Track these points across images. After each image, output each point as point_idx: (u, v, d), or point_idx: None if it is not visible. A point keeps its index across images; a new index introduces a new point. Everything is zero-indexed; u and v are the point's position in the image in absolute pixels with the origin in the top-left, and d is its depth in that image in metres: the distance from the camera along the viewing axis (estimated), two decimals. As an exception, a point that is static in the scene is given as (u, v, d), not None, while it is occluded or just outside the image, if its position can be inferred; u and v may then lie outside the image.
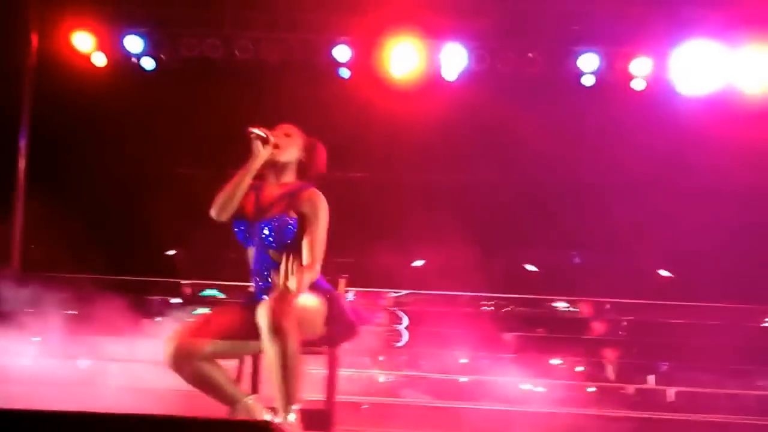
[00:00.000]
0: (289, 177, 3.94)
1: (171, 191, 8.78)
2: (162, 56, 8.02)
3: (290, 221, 3.75)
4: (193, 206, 8.54)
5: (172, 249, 9.60)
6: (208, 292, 8.36)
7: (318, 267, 3.71)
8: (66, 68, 7.99)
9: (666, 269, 8.95)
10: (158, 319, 7.58)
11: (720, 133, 7.33)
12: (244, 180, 3.80)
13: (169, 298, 8.03)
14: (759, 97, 7.25)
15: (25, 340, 6.77)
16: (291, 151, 3.91)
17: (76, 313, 7.44)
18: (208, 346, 3.63)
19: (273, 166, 3.88)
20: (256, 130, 3.81)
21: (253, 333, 3.58)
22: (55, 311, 7.02)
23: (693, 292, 7.60)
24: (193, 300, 8.23)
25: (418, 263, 9.12)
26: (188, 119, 8.66)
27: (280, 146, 3.86)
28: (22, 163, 8.18)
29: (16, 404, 2.60)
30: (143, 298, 7.83)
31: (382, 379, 6.83)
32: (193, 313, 8.03)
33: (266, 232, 3.77)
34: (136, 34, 7.97)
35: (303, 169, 3.96)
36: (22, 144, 8.19)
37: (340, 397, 4.36)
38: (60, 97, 7.99)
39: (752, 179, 7.45)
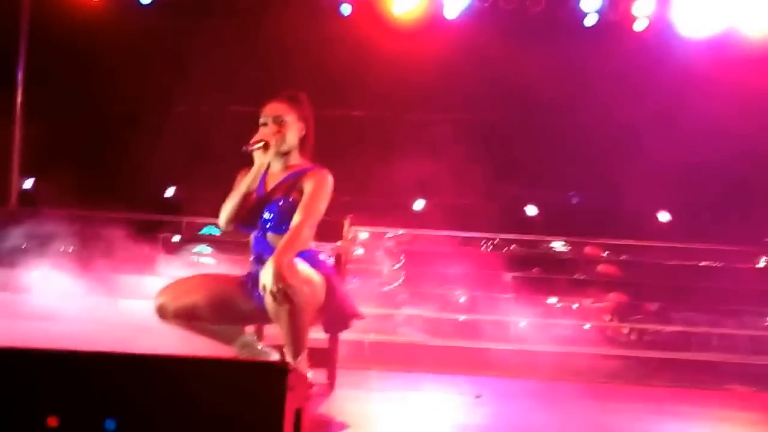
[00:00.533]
0: (295, 159, 3.87)
1: (169, 128, 8.72)
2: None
3: (291, 202, 3.69)
4: (191, 144, 8.55)
5: (170, 186, 9.58)
6: (208, 230, 8.37)
7: (306, 233, 3.61)
8: (63, 1, 7.87)
9: (665, 211, 8.99)
10: (159, 256, 7.61)
11: (721, 76, 7.29)
12: (250, 188, 3.77)
13: (169, 235, 8.05)
14: (760, 41, 7.19)
15: (25, 276, 6.81)
16: (289, 138, 3.81)
17: (75, 248, 7.47)
18: (199, 310, 3.66)
19: (275, 155, 3.80)
20: (254, 146, 3.74)
21: (244, 314, 3.70)
22: (54, 247, 7.06)
23: (691, 235, 7.67)
24: (193, 238, 8.26)
25: (419, 202, 9.12)
26: (187, 55, 8.54)
27: (277, 141, 3.76)
28: (19, 97, 8.13)
29: (19, 341, 2.64)
30: (143, 235, 7.85)
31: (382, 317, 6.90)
32: (195, 251, 8.08)
33: (267, 215, 3.73)
34: (134, -34, 7.84)
35: (306, 143, 3.88)
36: (20, 77, 8.13)
37: (341, 335, 4.43)
38: (57, 30, 7.88)
39: (752, 124, 7.43)
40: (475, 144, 8.17)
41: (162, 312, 3.68)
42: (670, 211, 8.89)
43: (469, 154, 7.91)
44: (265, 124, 3.83)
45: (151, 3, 7.99)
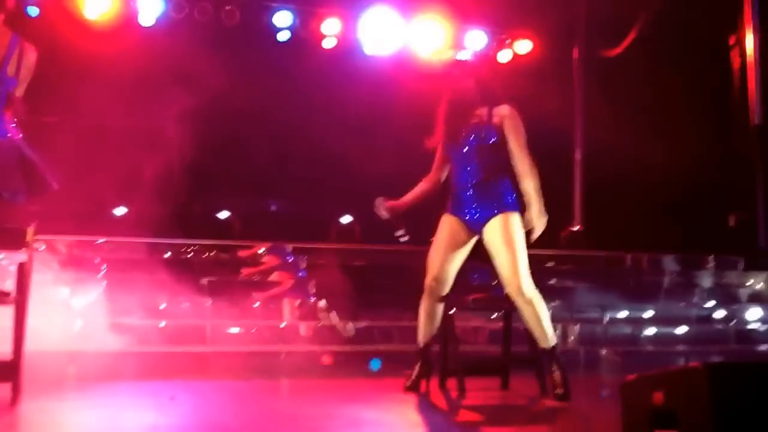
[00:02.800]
0: None
1: None
2: None
3: None
4: None
5: None
6: None
7: None
8: None
9: (351, 216, 9.60)
10: None
11: (402, 91, 8.00)
12: None
13: None
14: (429, 60, 8.06)
15: None
16: None
17: None
18: None
19: None
20: None
21: None
22: None
23: (375, 238, 8.26)
24: None
25: (119, 210, 8.94)
26: None
27: None
28: None
29: None
30: None
31: (78, 327, 6.72)
32: None
33: None
34: None
35: None
36: None
37: (32, 349, 4.34)
38: None
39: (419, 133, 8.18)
40: (171, 152, 8.18)
41: None
42: (358, 218, 9.50)
43: (165, 162, 7.93)
44: None
45: None
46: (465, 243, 4.88)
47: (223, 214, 9.12)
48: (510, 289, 4.72)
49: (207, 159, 8.40)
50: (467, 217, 4.85)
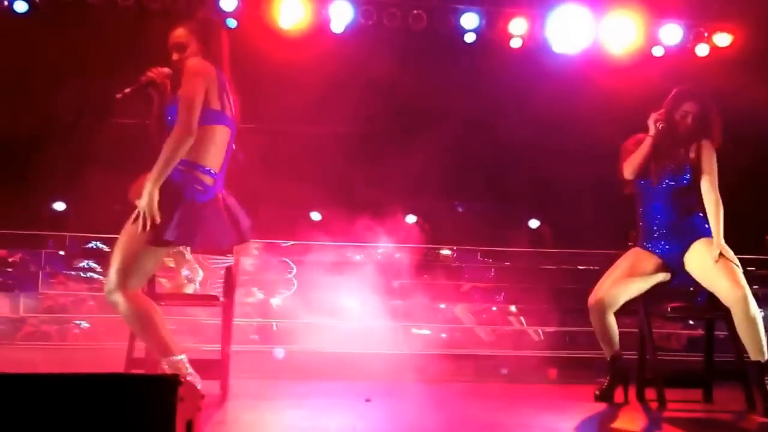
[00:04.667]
0: None
1: (53, 142, 8.55)
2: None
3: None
4: (76, 157, 8.37)
5: (57, 202, 9.40)
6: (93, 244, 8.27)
7: (185, 132, 3.69)
8: None
9: (539, 219, 9.41)
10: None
11: (589, 87, 7.77)
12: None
13: (55, 251, 7.92)
14: (621, 56, 7.78)
15: None
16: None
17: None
18: None
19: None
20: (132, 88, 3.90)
21: None
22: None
23: (566, 241, 8.06)
24: (78, 253, 8.16)
25: (312, 214, 9.22)
26: (66, 64, 8.34)
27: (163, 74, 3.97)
28: None
29: None
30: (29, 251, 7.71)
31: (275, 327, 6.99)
32: (79, 265, 7.99)
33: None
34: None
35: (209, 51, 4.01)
36: None
37: (236, 347, 4.55)
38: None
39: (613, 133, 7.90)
40: (359, 156, 8.34)
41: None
42: (543, 219, 9.29)
43: (357, 165, 8.09)
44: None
45: (28, 12, 7.80)
46: (648, 275, 4.73)
47: (410, 219, 9.21)
48: (736, 308, 4.49)
49: (395, 161, 8.47)
50: (660, 252, 4.70)
